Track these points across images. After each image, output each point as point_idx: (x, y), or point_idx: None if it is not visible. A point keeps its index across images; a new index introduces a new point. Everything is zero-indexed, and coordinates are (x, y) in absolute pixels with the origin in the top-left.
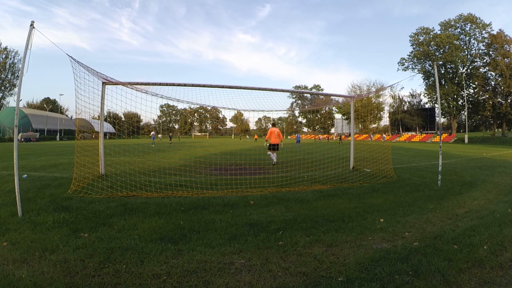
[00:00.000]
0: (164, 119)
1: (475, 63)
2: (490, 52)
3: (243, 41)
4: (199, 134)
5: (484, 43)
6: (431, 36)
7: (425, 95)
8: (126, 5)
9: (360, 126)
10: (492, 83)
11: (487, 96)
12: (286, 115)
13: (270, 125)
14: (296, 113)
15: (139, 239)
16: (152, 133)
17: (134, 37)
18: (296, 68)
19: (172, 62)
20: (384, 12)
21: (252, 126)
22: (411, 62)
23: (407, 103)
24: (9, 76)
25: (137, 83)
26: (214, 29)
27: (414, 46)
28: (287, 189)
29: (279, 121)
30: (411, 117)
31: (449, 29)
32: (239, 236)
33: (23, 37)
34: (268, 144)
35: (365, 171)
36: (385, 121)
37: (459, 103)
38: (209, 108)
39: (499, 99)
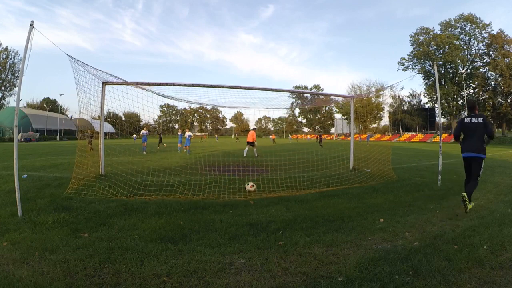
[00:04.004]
0: (164, 119)
1: (475, 63)
2: (490, 52)
3: (245, 42)
4: (198, 134)
5: (484, 43)
6: (431, 36)
7: (425, 95)
8: (130, 6)
9: (360, 126)
10: (492, 83)
11: (487, 96)
12: (286, 115)
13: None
14: (296, 113)
15: (139, 239)
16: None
17: (137, 38)
18: (298, 69)
19: (174, 63)
20: (386, 13)
21: (252, 126)
22: (411, 62)
23: (407, 103)
24: (9, 76)
25: (137, 83)
26: (216, 30)
27: (414, 46)
28: (287, 193)
29: (279, 121)
30: (411, 117)
31: (449, 29)
32: (239, 236)
33: (26, 37)
34: (248, 142)
35: (365, 171)
36: (385, 121)
37: (459, 103)
38: (209, 108)
39: (499, 99)
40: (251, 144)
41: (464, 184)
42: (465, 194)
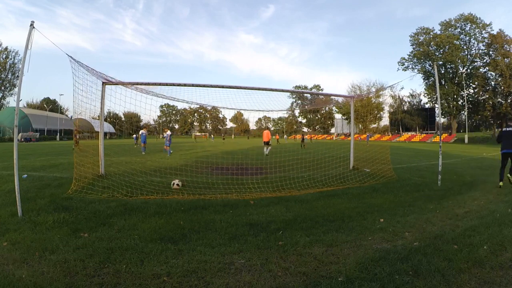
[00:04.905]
0: (164, 119)
1: (475, 63)
2: (490, 52)
3: (245, 42)
4: (198, 134)
5: (484, 43)
6: (431, 36)
7: (425, 95)
8: (130, 6)
9: (360, 126)
10: (492, 83)
11: (487, 96)
12: (286, 115)
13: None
14: (296, 113)
15: (139, 239)
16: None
17: (137, 38)
18: (298, 69)
19: (174, 63)
20: (386, 13)
21: (252, 126)
22: (411, 62)
23: (407, 103)
24: (9, 76)
25: (137, 83)
26: (217, 30)
27: (414, 46)
28: (287, 193)
29: (279, 121)
30: (411, 117)
31: (449, 29)
32: (239, 236)
33: (26, 37)
34: (264, 142)
35: (364, 171)
36: (385, 121)
37: (459, 103)
38: (209, 108)
39: (499, 99)
40: (267, 143)
41: (499, 171)
42: (509, 175)
